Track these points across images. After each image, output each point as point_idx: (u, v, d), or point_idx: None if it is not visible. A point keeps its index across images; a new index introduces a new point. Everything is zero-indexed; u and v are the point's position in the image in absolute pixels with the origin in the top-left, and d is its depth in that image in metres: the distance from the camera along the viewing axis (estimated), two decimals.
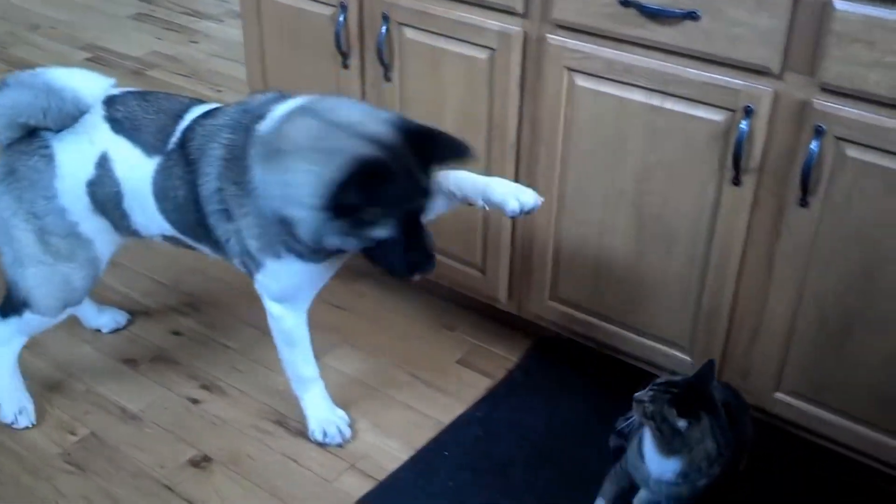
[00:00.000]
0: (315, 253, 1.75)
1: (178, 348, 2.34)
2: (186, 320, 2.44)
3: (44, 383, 2.21)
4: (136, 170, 1.84)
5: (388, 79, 2.15)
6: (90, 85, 1.88)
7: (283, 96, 1.78)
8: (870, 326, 1.72)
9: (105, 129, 1.85)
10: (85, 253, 1.92)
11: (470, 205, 1.79)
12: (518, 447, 2.04)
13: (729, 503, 1.76)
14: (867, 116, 1.57)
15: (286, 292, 1.88)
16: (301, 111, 1.67)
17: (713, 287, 1.88)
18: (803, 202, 1.68)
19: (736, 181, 1.74)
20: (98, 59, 3.99)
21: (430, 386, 2.23)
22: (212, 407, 2.16)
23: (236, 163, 1.72)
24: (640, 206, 1.91)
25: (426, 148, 1.60)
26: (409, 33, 2.08)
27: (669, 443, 1.60)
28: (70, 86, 1.83)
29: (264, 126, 1.69)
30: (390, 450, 2.04)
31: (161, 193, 1.84)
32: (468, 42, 1.99)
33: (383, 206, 1.55)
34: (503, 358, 2.32)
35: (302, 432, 2.08)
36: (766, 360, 1.86)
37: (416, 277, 1.73)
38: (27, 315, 1.97)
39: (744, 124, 1.68)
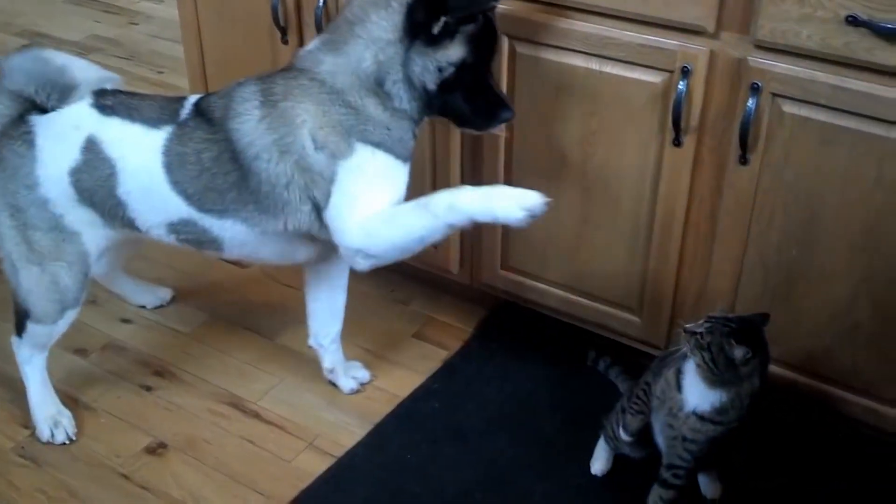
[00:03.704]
0: (397, 135, 1.71)
1: (128, 336, 2.32)
2: (135, 307, 2.41)
3: None
4: (137, 145, 1.77)
5: None
6: (86, 67, 1.86)
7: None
8: (811, 278, 1.75)
9: (91, 113, 1.79)
10: (72, 247, 1.84)
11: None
12: (475, 416, 2.05)
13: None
14: (801, 72, 1.59)
15: (368, 198, 1.70)
16: (347, 4, 1.73)
17: (659, 248, 1.89)
18: (743, 159, 1.70)
19: (677, 142, 1.75)
20: (36, 46, 3.90)
21: (386, 360, 2.23)
22: (165, 393, 2.14)
23: (278, 86, 1.71)
24: (584, 170, 1.91)
25: None
26: None
27: (721, 374, 1.58)
28: (62, 61, 1.82)
29: (306, 49, 1.76)
30: (348, 426, 2.04)
31: (176, 162, 1.75)
32: None
33: (450, 10, 1.61)
34: (458, 329, 2.33)
35: (258, 413, 2.07)
36: None
37: (498, 127, 1.77)
38: (29, 326, 1.91)
39: (681, 85, 1.69)
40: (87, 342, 2.29)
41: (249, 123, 1.71)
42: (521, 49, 1.87)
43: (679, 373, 1.67)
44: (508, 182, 2.03)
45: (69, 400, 2.10)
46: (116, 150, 1.78)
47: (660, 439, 1.74)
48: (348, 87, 1.68)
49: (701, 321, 1.62)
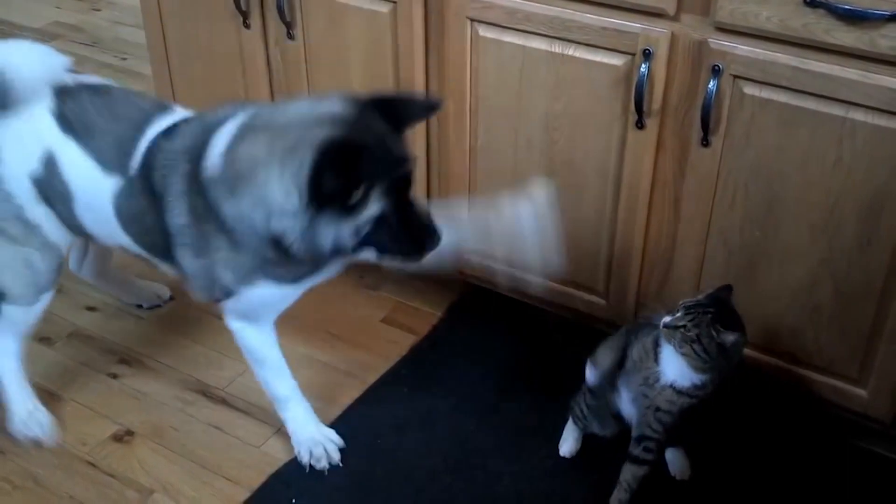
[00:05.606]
0: (297, 272, 1.69)
1: (93, 324, 2.30)
2: (100, 295, 2.39)
3: None
4: (92, 184, 1.73)
5: (291, 37, 2.11)
6: (30, 60, 1.74)
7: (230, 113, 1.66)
8: (774, 259, 1.76)
9: (52, 125, 1.72)
10: (37, 238, 1.82)
11: None
12: (444, 400, 2.05)
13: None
14: (761, 53, 1.60)
15: (253, 313, 1.81)
16: (244, 130, 1.57)
17: (624, 230, 1.90)
18: (705, 141, 1.71)
19: (639, 124, 1.76)
20: None
21: (355, 346, 2.23)
22: (132, 381, 2.13)
23: (199, 199, 1.60)
24: (549, 154, 1.92)
25: (391, 112, 1.53)
26: None
27: (714, 360, 1.58)
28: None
29: (211, 163, 1.58)
30: (316, 411, 2.02)
31: (126, 216, 1.74)
32: None
33: (365, 178, 1.46)
34: (427, 314, 2.33)
35: (225, 400, 2.07)
36: (679, 300, 1.89)
37: (427, 256, 1.61)
38: (5, 308, 1.88)
39: (643, 67, 1.70)
40: (52, 331, 2.27)
41: (179, 218, 1.66)
42: (484, 32, 1.87)
43: (657, 345, 1.66)
44: (472, 165, 2.03)
45: (35, 389, 2.08)
46: (73, 178, 1.74)
47: (630, 408, 1.74)
48: (248, 237, 1.58)
49: (678, 313, 1.62)
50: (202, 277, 1.73)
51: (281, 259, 1.61)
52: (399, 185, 1.53)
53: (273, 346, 1.88)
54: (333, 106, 1.51)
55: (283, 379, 1.91)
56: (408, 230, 1.56)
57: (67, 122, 1.73)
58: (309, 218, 1.48)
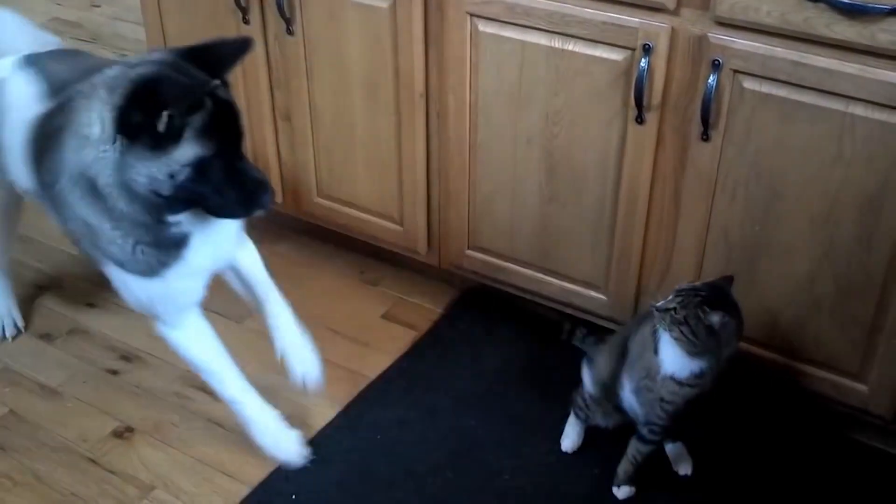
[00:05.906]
0: (144, 261, 1.61)
1: (93, 320, 2.30)
2: (100, 291, 2.38)
3: None
4: (27, 105, 1.70)
5: (290, 32, 2.11)
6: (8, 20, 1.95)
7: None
8: (774, 254, 1.76)
9: (11, 63, 1.82)
10: None
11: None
12: (445, 396, 2.05)
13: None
14: (761, 48, 1.60)
15: (140, 306, 1.74)
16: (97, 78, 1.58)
17: (624, 226, 1.90)
18: (705, 136, 1.71)
19: (639, 119, 1.76)
20: None
21: (356, 342, 2.23)
22: (132, 377, 2.13)
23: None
24: (549, 149, 1.92)
25: (206, 58, 1.54)
26: None
27: (703, 343, 1.58)
28: None
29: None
30: (317, 408, 2.04)
31: (34, 141, 1.65)
32: None
33: (174, 109, 1.43)
34: (428, 309, 2.33)
35: None
36: None
37: (258, 212, 1.58)
38: None
39: (643, 62, 1.69)
40: (52, 327, 2.27)
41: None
42: (484, 27, 1.86)
43: (655, 334, 1.66)
44: (472, 160, 2.03)
45: (35, 385, 2.09)
46: (14, 98, 1.76)
47: (632, 399, 1.73)
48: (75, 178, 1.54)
49: (670, 297, 1.62)
50: (71, 224, 1.64)
51: (99, 221, 1.56)
52: (221, 132, 1.49)
53: (197, 345, 1.83)
54: (155, 55, 1.56)
55: (224, 379, 1.84)
56: (234, 183, 1.52)
57: (30, 61, 1.81)
58: (119, 152, 1.47)
